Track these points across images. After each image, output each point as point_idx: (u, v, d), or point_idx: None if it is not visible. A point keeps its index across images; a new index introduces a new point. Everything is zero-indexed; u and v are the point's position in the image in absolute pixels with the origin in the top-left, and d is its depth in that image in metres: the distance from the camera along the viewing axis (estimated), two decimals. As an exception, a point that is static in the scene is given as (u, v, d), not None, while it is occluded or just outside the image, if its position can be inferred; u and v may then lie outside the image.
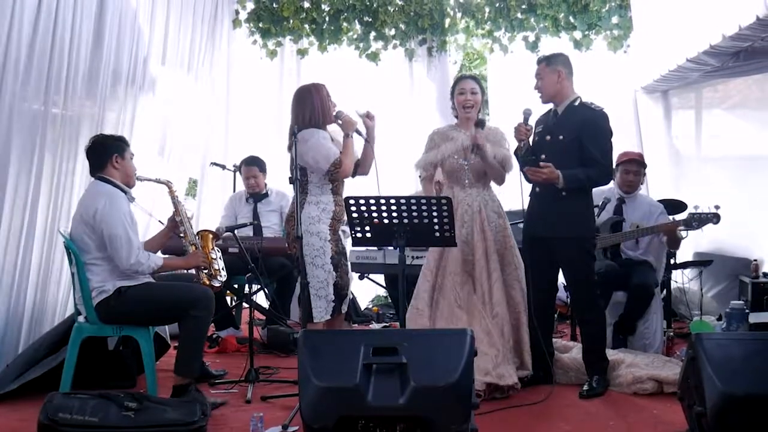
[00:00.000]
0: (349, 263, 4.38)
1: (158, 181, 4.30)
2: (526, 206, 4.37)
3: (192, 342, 3.92)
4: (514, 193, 4.38)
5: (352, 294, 6.32)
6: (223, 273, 4.24)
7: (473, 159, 4.36)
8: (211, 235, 4.32)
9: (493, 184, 4.54)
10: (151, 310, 3.91)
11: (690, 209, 4.89)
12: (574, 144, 4.15)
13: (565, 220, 4.17)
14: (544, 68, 4.26)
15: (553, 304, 4.57)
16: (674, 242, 4.94)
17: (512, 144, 4.40)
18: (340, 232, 4.28)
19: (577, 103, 4.24)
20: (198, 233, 4.27)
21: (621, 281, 4.89)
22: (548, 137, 4.23)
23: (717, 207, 4.73)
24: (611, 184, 5.18)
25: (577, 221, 4.22)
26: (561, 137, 4.19)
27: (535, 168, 4.11)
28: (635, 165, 5.18)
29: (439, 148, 4.44)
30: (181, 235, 4.19)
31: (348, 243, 4.75)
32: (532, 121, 4.29)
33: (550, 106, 4.34)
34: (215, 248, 4.32)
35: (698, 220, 4.77)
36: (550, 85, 4.24)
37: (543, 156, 4.17)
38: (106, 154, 3.96)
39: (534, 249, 4.32)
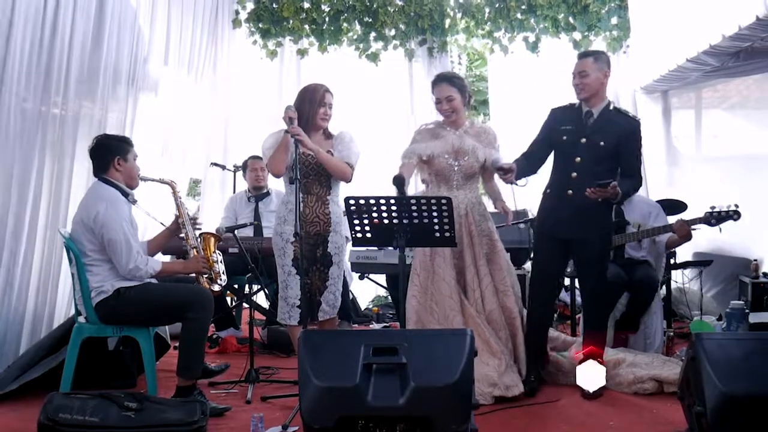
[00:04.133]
0: (337, 272, 4.19)
1: (162, 182, 4.28)
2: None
3: (192, 343, 3.92)
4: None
5: (352, 294, 6.33)
6: (224, 276, 4.22)
7: (464, 160, 4.27)
8: (213, 238, 4.32)
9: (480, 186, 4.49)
10: (150, 311, 3.91)
11: (707, 208, 4.79)
12: (613, 152, 4.10)
13: (599, 224, 4.17)
14: (591, 64, 4.09)
15: (554, 301, 4.56)
16: (686, 238, 4.92)
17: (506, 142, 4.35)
18: (342, 242, 4.20)
19: (611, 108, 4.15)
20: (200, 235, 4.26)
21: (625, 284, 4.89)
22: (584, 140, 4.10)
23: (736, 205, 4.70)
24: None
25: (607, 224, 4.28)
26: (602, 143, 4.08)
27: (602, 189, 3.93)
28: None
29: (428, 143, 4.29)
30: (183, 237, 4.18)
31: (349, 246, 4.74)
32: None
33: (563, 101, 4.26)
34: (217, 251, 4.31)
35: (717, 218, 4.73)
36: (596, 83, 4.09)
37: (578, 159, 4.09)
38: (108, 155, 3.96)
39: (549, 247, 4.25)
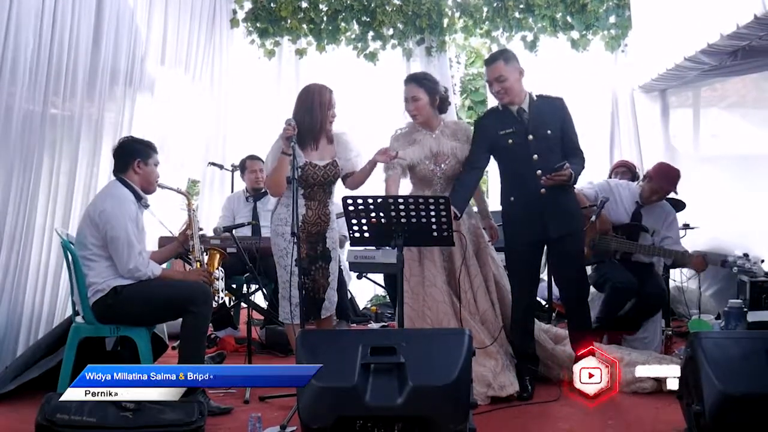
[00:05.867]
0: (335, 268, 4.24)
1: (178, 191, 4.28)
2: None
3: (194, 338, 3.91)
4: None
5: (350, 293, 6.32)
6: (222, 294, 4.23)
7: (446, 164, 4.22)
8: (218, 254, 4.32)
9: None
10: (149, 307, 3.91)
11: (738, 253, 4.69)
12: (559, 137, 4.12)
13: (574, 216, 4.19)
14: (504, 67, 4.08)
15: (534, 303, 4.55)
16: (699, 271, 4.95)
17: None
18: (336, 237, 4.24)
19: (536, 97, 4.16)
20: (206, 249, 4.26)
21: (635, 289, 4.87)
22: (531, 137, 4.08)
23: (762, 261, 4.66)
24: (634, 186, 5.13)
25: (580, 214, 4.28)
26: (549, 132, 4.09)
27: (560, 173, 3.96)
28: (665, 193, 5.00)
29: (406, 150, 4.23)
30: (189, 250, 4.18)
31: (347, 245, 4.73)
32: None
33: (487, 105, 4.30)
34: (220, 268, 4.31)
35: (740, 268, 4.63)
36: (516, 84, 4.10)
37: (535, 156, 4.06)
38: (130, 157, 3.97)
39: (528, 254, 4.21)
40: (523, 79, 4.17)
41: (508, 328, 4.33)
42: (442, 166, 4.23)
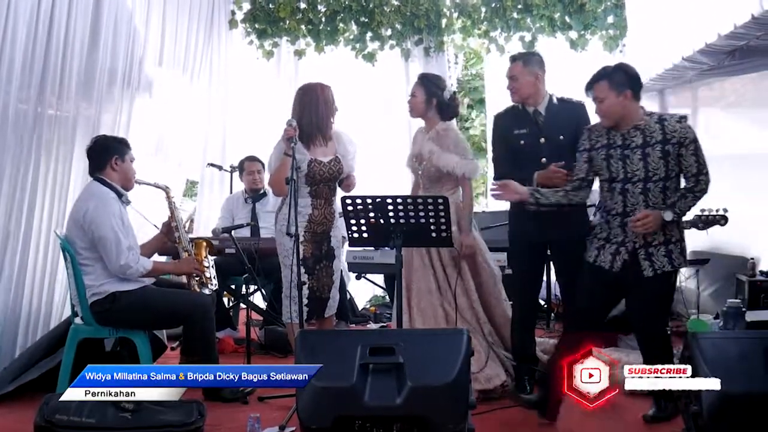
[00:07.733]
0: (338, 266, 4.28)
1: (156, 186, 4.29)
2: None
3: (205, 349, 3.93)
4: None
5: (349, 294, 6.33)
6: (214, 281, 4.25)
7: (423, 165, 4.27)
8: (204, 243, 4.35)
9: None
10: (148, 317, 3.94)
11: (698, 211, 4.81)
12: (572, 143, 4.05)
13: (576, 222, 4.17)
14: (521, 69, 4.09)
15: (537, 304, 4.54)
16: None
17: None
18: (339, 235, 4.27)
19: (555, 100, 4.15)
20: (192, 240, 4.28)
21: None
22: (543, 140, 4.07)
23: (725, 210, 4.69)
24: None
25: (584, 221, 4.22)
26: (561, 137, 4.07)
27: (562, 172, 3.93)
28: None
29: (411, 151, 4.40)
30: (176, 241, 4.19)
31: (346, 246, 4.73)
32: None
33: (504, 104, 4.24)
34: (208, 257, 4.34)
35: (705, 222, 4.70)
36: (526, 87, 4.08)
37: (544, 159, 4.03)
38: (106, 155, 3.97)
39: (532, 256, 4.20)
40: (540, 85, 4.13)
41: (501, 331, 4.33)
42: (422, 166, 4.28)
